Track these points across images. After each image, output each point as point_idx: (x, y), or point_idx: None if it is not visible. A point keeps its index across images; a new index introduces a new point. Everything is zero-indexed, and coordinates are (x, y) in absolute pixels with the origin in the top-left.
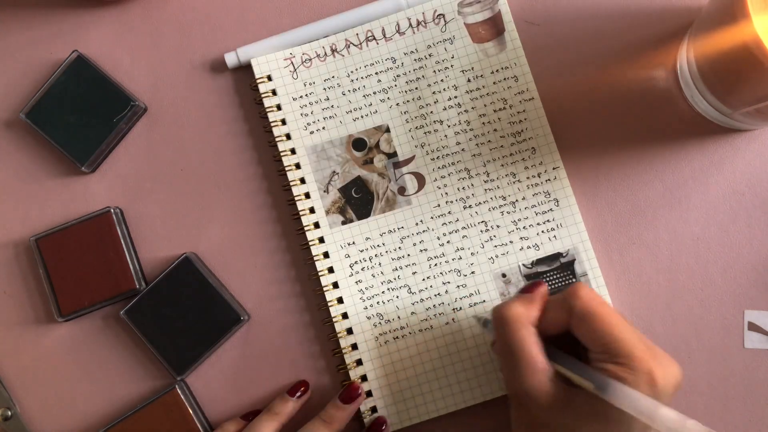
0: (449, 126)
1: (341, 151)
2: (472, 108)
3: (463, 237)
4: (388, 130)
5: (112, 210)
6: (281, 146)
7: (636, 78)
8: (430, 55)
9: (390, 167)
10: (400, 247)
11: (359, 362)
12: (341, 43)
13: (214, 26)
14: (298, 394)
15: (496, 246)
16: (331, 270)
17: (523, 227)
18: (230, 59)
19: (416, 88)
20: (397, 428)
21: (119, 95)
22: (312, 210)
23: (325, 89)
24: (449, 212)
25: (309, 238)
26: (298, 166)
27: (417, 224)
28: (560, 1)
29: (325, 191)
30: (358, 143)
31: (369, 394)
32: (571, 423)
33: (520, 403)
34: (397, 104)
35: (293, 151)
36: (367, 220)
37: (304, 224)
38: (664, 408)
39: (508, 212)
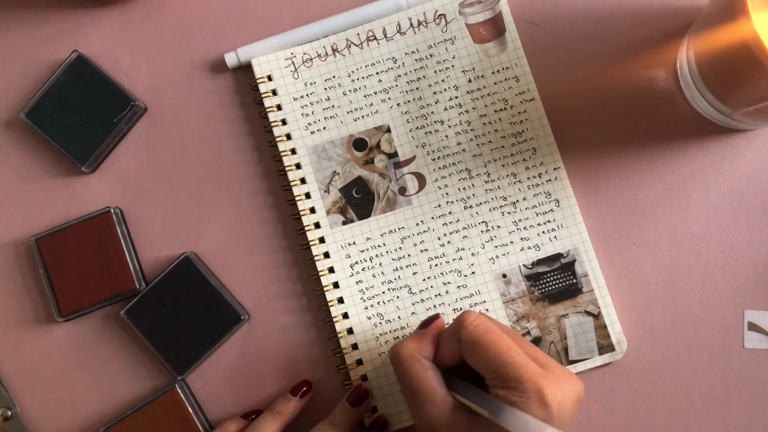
0: (450, 126)
1: (342, 151)
2: (473, 108)
3: (463, 237)
4: (388, 130)
5: (112, 210)
6: (282, 146)
7: (636, 78)
8: (431, 56)
9: (391, 167)
10: (400, 248)
11: (360, 362)
12: (342, 43)
13: (214, 26)
14: (301, 393)
15: (496, 246)
16: (331, 270)
17: (524, 228)
18: (230, 59)
19: (417, 89)
20: (397, 428)
21: (119, 95)
22: (312, 210)
23: (325, 89)
24: (450, 212)
25: (309, 238)
26: (298, 166)
27: (417, 224)
28: (560, 1)
29: (325, 191)
30: (358, 143)
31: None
32: None
33: None
34: (398, 104)
35: (294, 151)
36: (368, 220)
37: (305, 224)
38: (549, 429)
39: (509, 212)
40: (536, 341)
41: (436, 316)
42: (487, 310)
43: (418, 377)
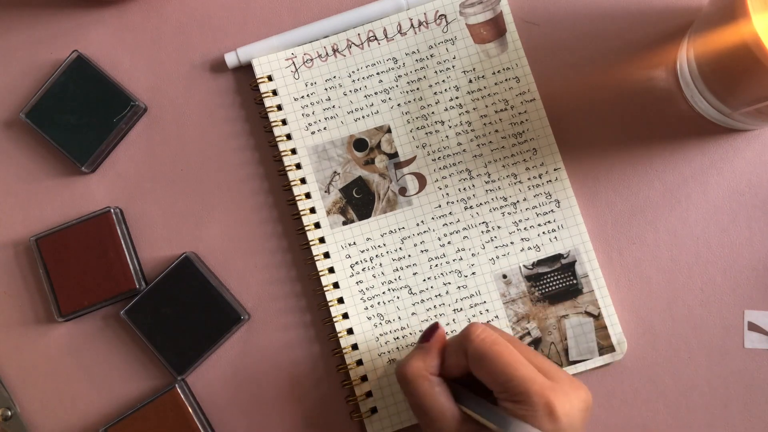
0: (450, 127)
1: (342, 151)
2: (474, 109)
3: (463, 238)
4: (389, 131)
5: (112, 210)
6: (282, 146)
7: (636, 78)
8: (431, 56)
9: (391, 168)
10: (400, 248)
11: (359, 362)
12: (343, 43)
13: (214, 26)
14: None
15: (496, 247)
16: (331, 270)
17: (524, 228)
18: (230, 59)
19: (417, 89)
20: (397, 428)
21: (119, 95)
22: (313, 210)
23: (326, 89)
24: (450, 213)
25: (309, 238)
26: (298, 166)
27: (418, 225)
28: (560, 1)
29: (326, 191)
30: (359, 143)
31: (369, 394)
32: None
33: None
34: (399, 105)
35: (294, 152)
36: (368, 220)
37: (305, 224)
38: None
39: (509, 213)
40: (536, 342)
41: (436, 326)
42: (487, 310)
43: (425, 395)
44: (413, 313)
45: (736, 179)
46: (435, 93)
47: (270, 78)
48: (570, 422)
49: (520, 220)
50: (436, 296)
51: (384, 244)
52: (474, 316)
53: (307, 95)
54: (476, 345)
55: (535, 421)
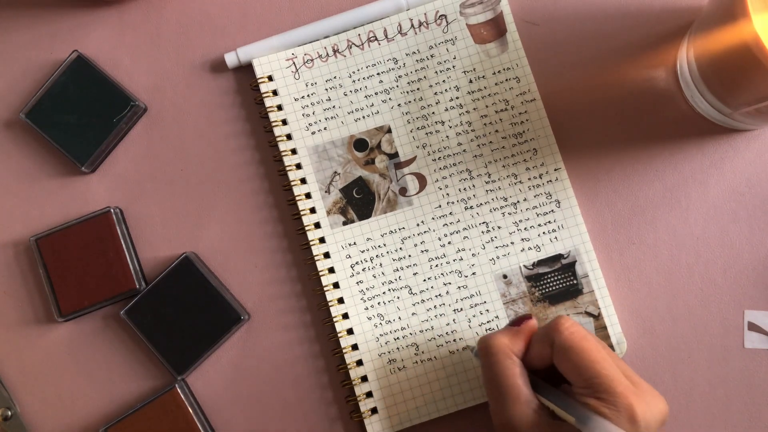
0: (451, 127)
1: (343, 151)
2: (474, 109)
3: (464, 238)
4: (389, 131)
5: (112, 210)
6: (282, 146)
7: (636, 78)
8: (431, 56)
9: (391, 168)
10: (401, 248)
11: (360, 362)
12: (343, 44)
13: (215, 26)
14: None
15: (497, 247)
16: (331, 270)
17: (524, 228)
18: (230, 59)
19: (418, 89)
20: (398, 429)
21: (119, 95)
22: (313, 210)
23: (326, 89)
24: (450, 213)
25: (310, 238)
26: (299, 166)
27: (418, 225)
28: (561, 1)
29: (326, 191)
30: (359, 144)
31: (369, 394)
32: None
33: None
34: (399, 105)
35: (294, 152)
36: (369, 220)
37: (305, 224)
38: None
39: (510, 213)
40: None
41: (529, 316)
42: (487, 311)
43: (506, 373)
44: (413, 314)
45: (736, 179)
46: (435, 93)
47: (270, 78)
48: (645, 430)
49: (520, 221)
50: (436, 296)
51: (384, 244)
52: (474, 316)
53: (308, 95)
54: (566, 336)
55: (616, 421)
